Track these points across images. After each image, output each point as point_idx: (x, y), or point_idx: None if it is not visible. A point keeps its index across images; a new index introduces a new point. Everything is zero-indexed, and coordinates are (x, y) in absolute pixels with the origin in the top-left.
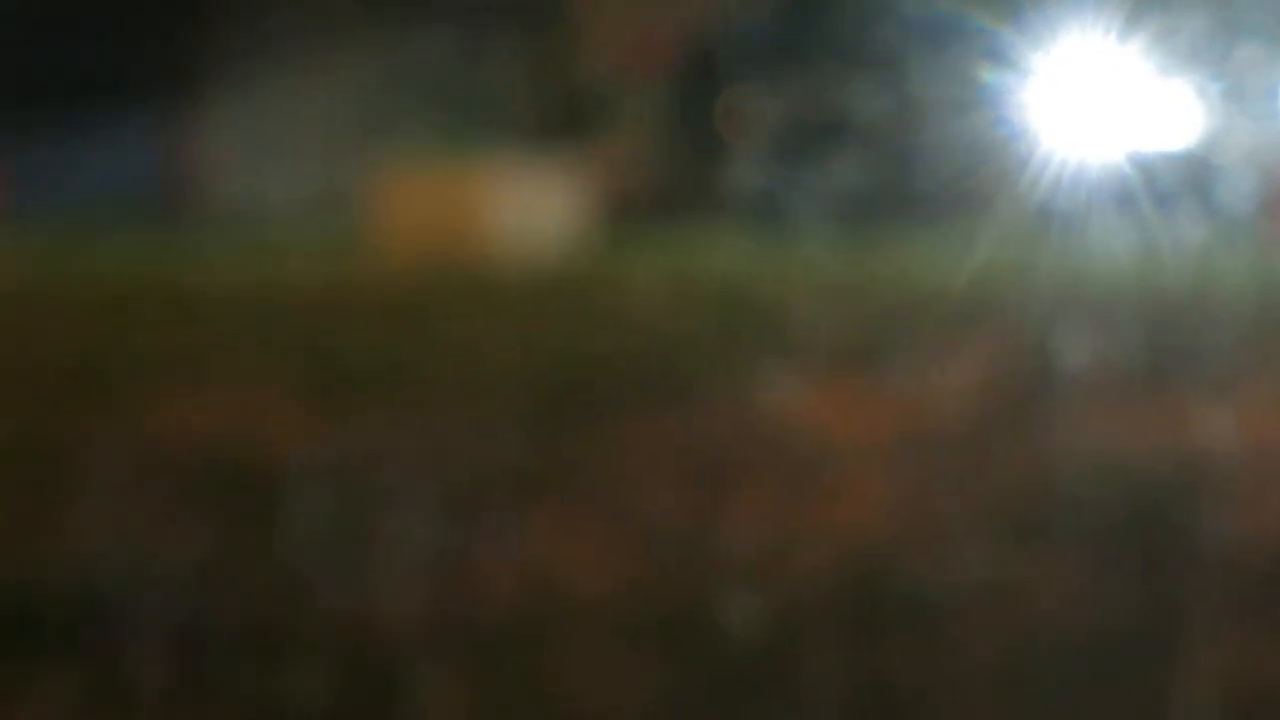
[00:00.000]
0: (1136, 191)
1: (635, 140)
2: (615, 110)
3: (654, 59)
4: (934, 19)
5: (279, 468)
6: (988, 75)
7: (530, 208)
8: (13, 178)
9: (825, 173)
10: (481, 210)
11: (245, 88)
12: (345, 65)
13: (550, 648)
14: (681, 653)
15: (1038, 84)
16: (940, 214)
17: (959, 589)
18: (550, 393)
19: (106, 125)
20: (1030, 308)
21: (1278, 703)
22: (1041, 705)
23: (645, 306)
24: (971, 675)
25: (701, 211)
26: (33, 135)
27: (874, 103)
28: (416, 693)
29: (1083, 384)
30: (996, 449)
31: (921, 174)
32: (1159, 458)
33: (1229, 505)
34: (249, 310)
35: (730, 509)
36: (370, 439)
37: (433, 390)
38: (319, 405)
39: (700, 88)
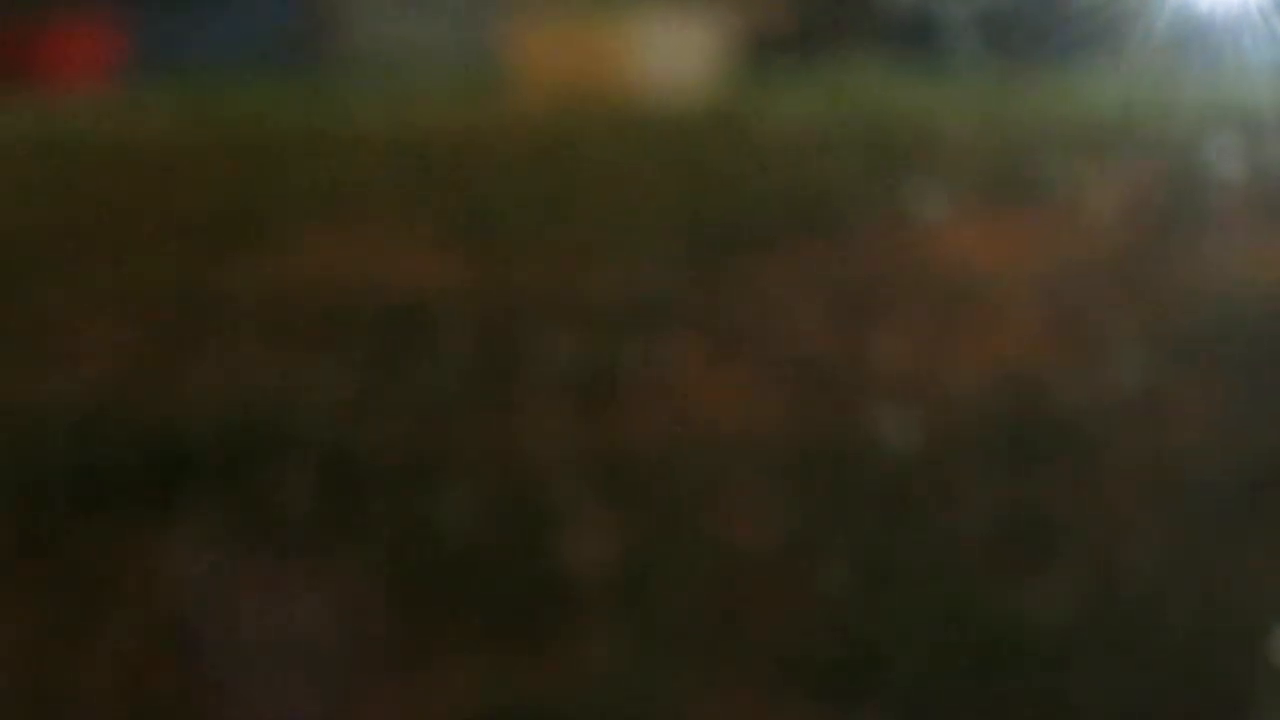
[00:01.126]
0: (1271, 16)
1: None
2: None
3: None
4: None
5: (429, 306)
6: None
7: (672, 47)
8: (148, 26)
9: (969, 2)
10: (623, 51)
11: None
12: None
13: (701, 476)
14: (830, 479)
15: None
16: (1084, 43)
17: (1108, 412)
18: (699, 228)
19: None
20: (1178, 136)
21: None
22: (1187, 530)
23: (792, 142)
24: (1120, 499)
25: (844, 46)
26: None
27: None
28: (565, 523)
29: (1233, 211)
30: (1147, 275)
31: (1065, 3)
32: None
33: None
34: (393, 155)
35: (882, 337)
36: (518, 277)
37: (579, 228)
38: (467, 245)
39: None
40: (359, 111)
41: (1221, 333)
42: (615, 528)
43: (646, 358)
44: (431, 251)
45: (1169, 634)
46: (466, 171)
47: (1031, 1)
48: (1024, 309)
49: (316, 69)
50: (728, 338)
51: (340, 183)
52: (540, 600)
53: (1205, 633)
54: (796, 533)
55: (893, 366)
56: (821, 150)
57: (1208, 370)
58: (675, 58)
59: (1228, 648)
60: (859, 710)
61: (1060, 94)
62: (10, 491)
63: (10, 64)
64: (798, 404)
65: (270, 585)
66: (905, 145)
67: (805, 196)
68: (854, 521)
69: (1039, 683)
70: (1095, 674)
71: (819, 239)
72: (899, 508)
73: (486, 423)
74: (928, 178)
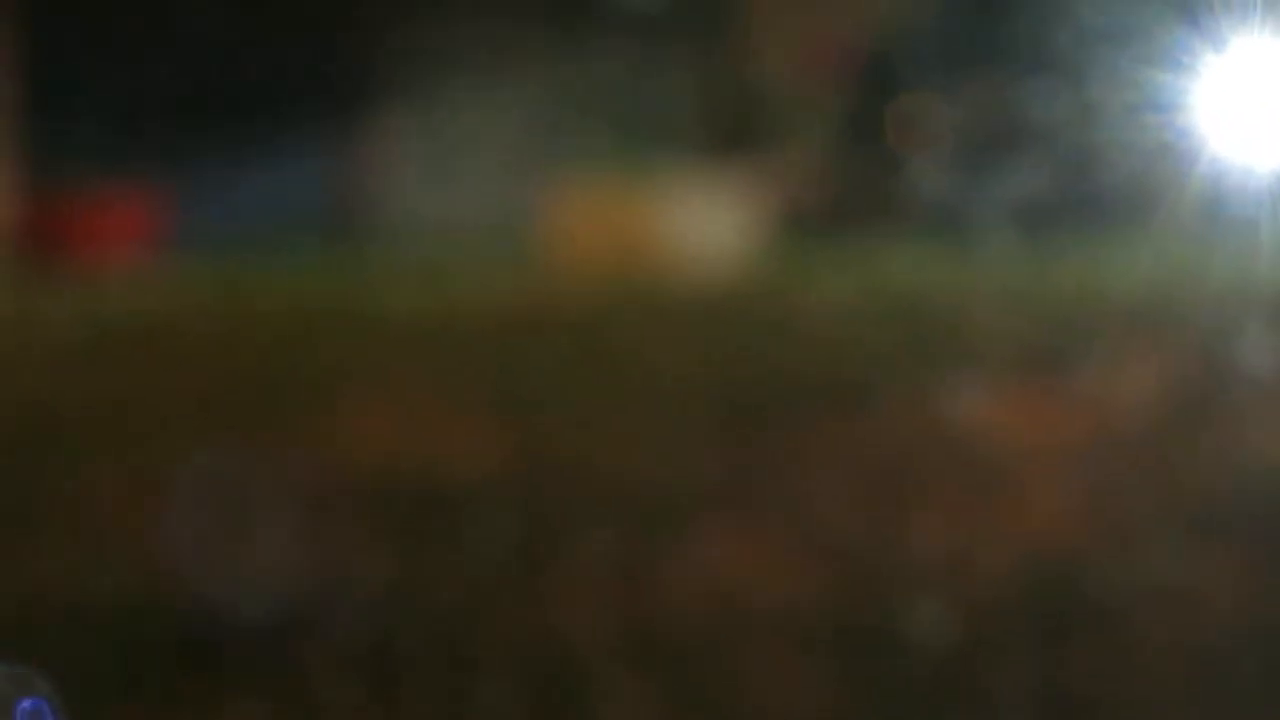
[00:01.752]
0: None
1: (809, 151)
2: (788, 121)
3: (826, 68)
4: (1106, 20)
5: (463, 485)
6: (1162, 77)
7: (705, 220)
8: (184, 198)
9: (1000, 179)
10: (656, 224)
11: (416, 104)
12: (515, 80)
13: (734, 655)
14: (863, 658)
15: (1213, 86)
16: (1116, 218)
17: (1141, 591)
18: (731, 405)
19: (276, 144)
20: (1208, 312)
21: None
22: (1221, 710)
23: (824, 318)
24: (1153, 680)
25: (877, 221)
26: (201, 156)
27: (1048, 107)
28: (601, 702)
29: (1263, 387)
30: (1177, 452)
31: (1096, 179)
32: None
33: None
34: (427, 329)
35: (913, 515)
36: (552, 453)
37: (613, 406)
38: (501, 424)
39: (873, 96)
40: (394, 285)
41: (1255, 513)
42: (651, 707)
43: (680, 536)
44: (465, 430)
45: None
46: (501, 349)
47: (1069, 175)
48: (1055, 488)
49: (351, 240)
50: (760, 516)
51: (375, 359)
52: None
53: None
54: (827, 712)
55: (925, 546)
56: (853, 327)
57: (1242, 552)
58: (707, 232)
59: None
60: None
61: (1096, 269)
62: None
63: (47, 235)
64: (829, 583)
65: None
66: (937, 322)
67: (838, 374)
68: (884, 702)
69: None
70: None
71: (852, 417)
72: (929, 688)
73: (521, 604)
74: (960, 355)
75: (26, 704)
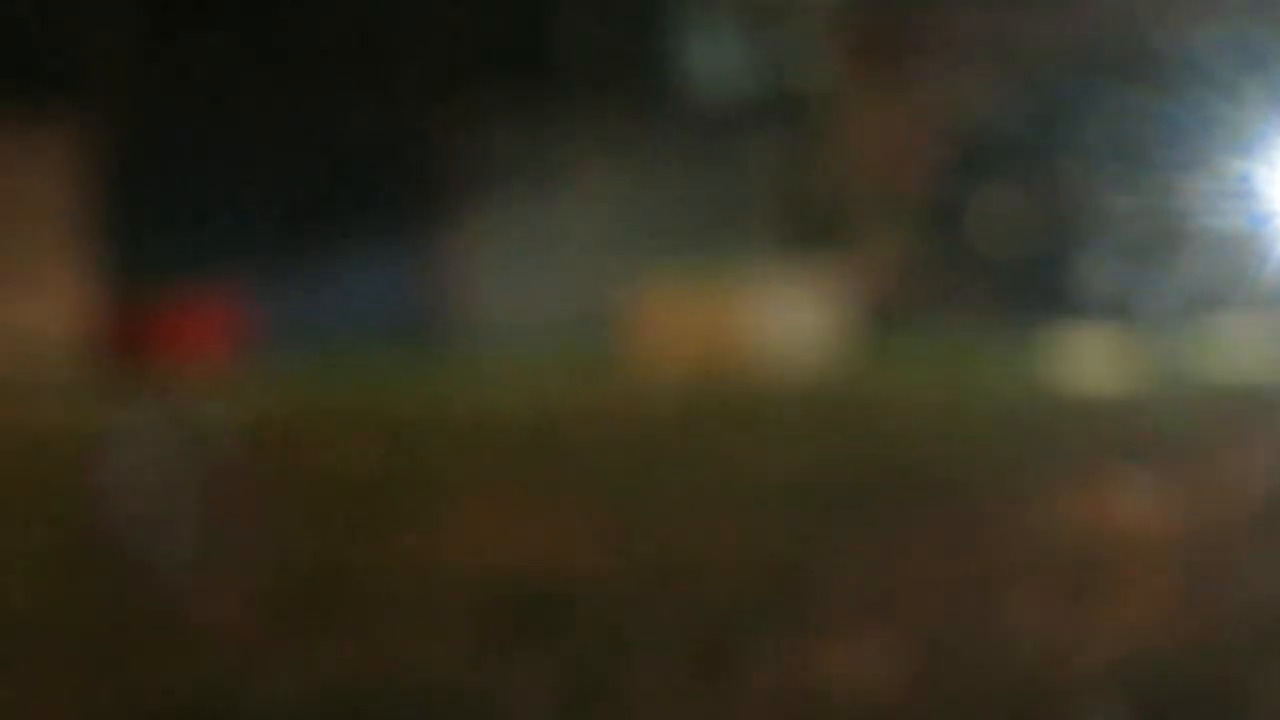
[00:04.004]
0: None
1: (892, 244)
2: (871, 214)
3: (908, 162)
4: (1182, 112)
5: (561, 582)
6: (1245, 165)
7: (791, 315)
8: (268, 300)
9: (1083, 272)
10: (742, 320)
11: (499, 204)
12: (598, 178)
13: None
14: None
15: None
16: (1203, 308)
17: (1240, 681)
18: (824, 498)
19: (360, 246)
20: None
21: None
22: None
23: (913, 411)
24: None
25: (961, 314)
26: (285, 258)
27: (1129, 200)
28: None
29: None
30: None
31: (1186, 268)
32: None
33: None
34: (519, 434)
35: (1013, 604)
36: (647, 551)
37: (706, 500)
38: (595, 520)
39: (955, 189)
40: (483, 384)
41: None
42: None
43: (778, 627)
44: (560, 528)
45: None
46: (592, 446)
47: (1161, 266)
48: (1156, 576)
49: (435, 339)
50: (858, 606)
51: (467, 459)
52: None
53: None
54: None
55: (1024, 634)
56: (942, 419)
57: None
58: (793, 327)
59: None
60: None
61: (1181, 356)
62: None
63: (132, 340)
64: (927, 673)
65: None
66: (1025, 412)
67: (929, 465)
68: None
69: None
70: None
71: (946, 507)
72: None
73: (629, 696)
74: (1050, 444)
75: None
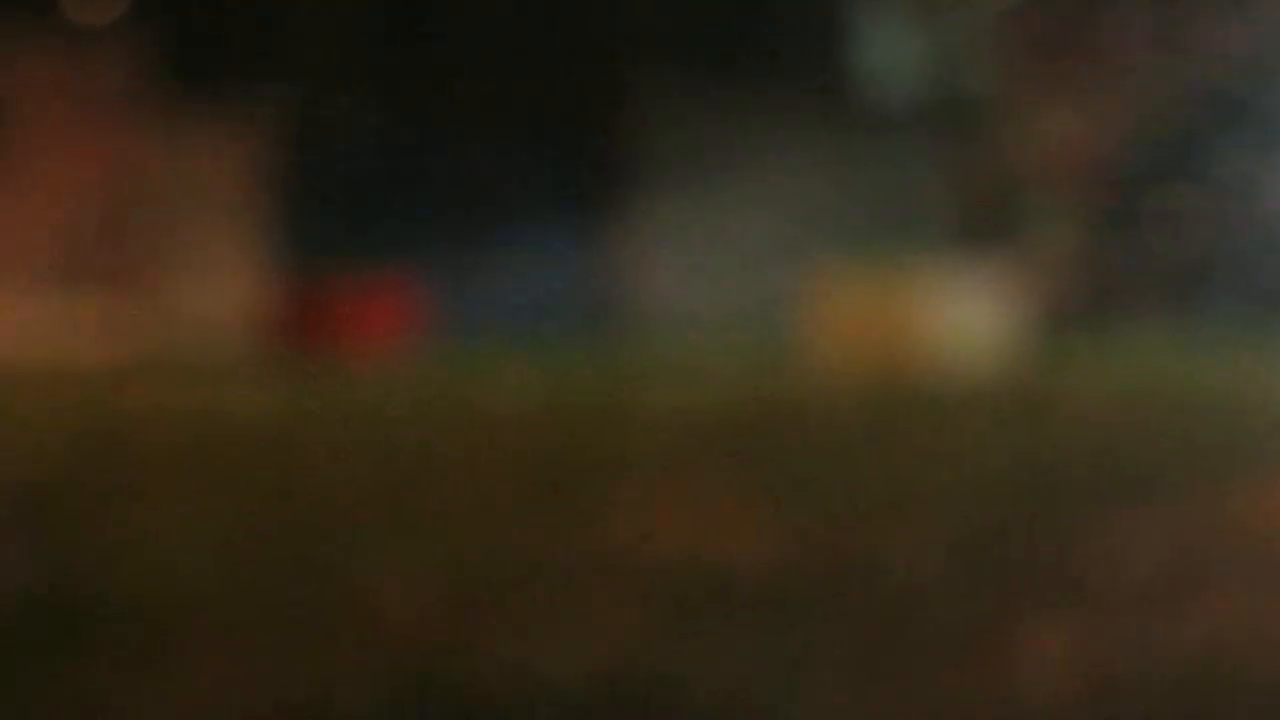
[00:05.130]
0: None
1: (1064, 244)
2: (1043, 214)
3: (1080, 162)
4: None
5: (744, 576)
6: None
7: (966, 310)
8: (443, 288)
9: (1248, 270)
10: (918, 315)
11: (675, 195)
12: (775, 171)
13: None
14: None
15: None
16: None
17: None
18: (1006, 496)
19: (535, 234)
20: None
21: None
22: None
23: (1093, 411)
24: None
25: (1129, 313)
26: (461, 245)
27: None
28: None
29: None
30: None
31: None
32: None
33: None
34: (699, 426)
35: (1200, 607)
36: (843, 550)
37: (889, 496)
38: (779, 516)
39: (1130, 187)
40: (661, 375)
41: None
42: None
43: (964, 622)
44: (744, 523)
45: None
46: (774, 439)
47: None
48: None
49: (609, 330)
50: (1047, 601)
51: (646, 453)
52: None
53: None
54: None
55: (1213, 636)
56: (1127, 414)
57: None
58: (968, 322)
59: None
60: None
61: None
62: None
63: (308, 326)
64: (1124, 670)
65: None
66: (1206, 415)
67: (1110, 465)
68: None
69: None
70: None
71: (1130, 507)
72: None
73: (789, 691)
74: (1232, 447)
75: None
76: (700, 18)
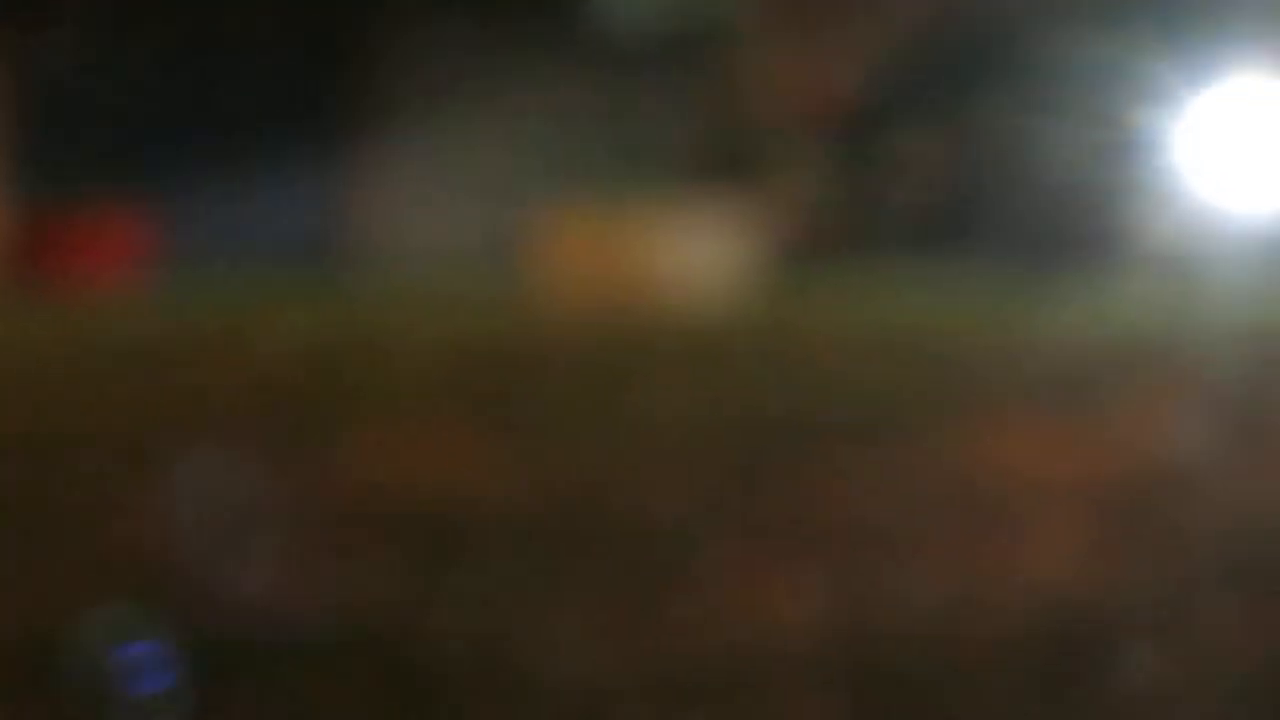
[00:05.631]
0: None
1: (800, 183)
2: (780, 153)
3: (819, 102)
4: (1095, 61)
5: (475, 512)
6: (1147, 118)
7: (696, 250)
8: (175, 220)
9: (986, 214)
10: (647, 253)
11: (409, 131)
12: (509, 108)
13: (748, 684)
14: (871, 688)
15: (1194, 126)
16: (1097, 253)
17: (1134, 628)
18: (736, 433)
19: (268, 168)
20: (1192, 353)
21: None
22: None
23: (820, 352)
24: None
25: (865, 253)
26: (194, 178)
27: (1035, 144)
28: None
29: (1258, 424)
30: (1173, 486)
31: (1080, 215)
32: None
33: None
34: (424, 360)
35: (919, 544)
36: (565, 483)
37: (619, 433)
38: (513, 451)
39: (865, 131)
40: (389, 313)
41: (1254, 547)
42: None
43: (693, 561)
44: (476, 457)
45: None
46: (505, 375)
47: (1056, 211)
48: (1059, 519)
49: (342, 264)
50: (772, 542)
51: (375, 387)
52: None
53: None
54: None
55: (929, 576)
56: (852, 356)
57: (1236, 581)
58: (700, 261)
59: None
60: None
61: (1079, 305)
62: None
63: (39, 254)
64: (837, 610)
65: None
66: (933, 352)
67: (839, 402)
68: None
69: None
70: None
71: (856, 444)
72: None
73: (537, 630)
74: (956, 385)
75: (134, 649)
76: None
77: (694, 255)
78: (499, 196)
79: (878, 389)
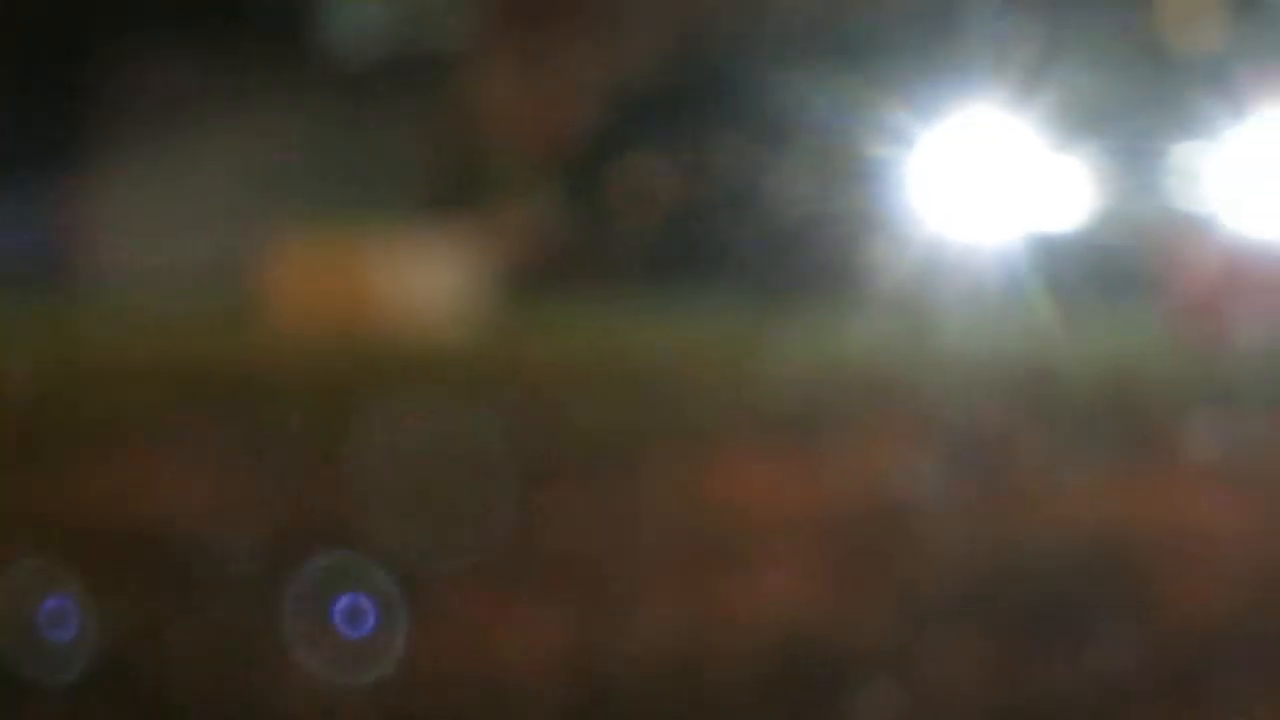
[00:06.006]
0: (1028, 269)
1: (530, 211)
2: (511, 180)
3: (550, 129)
4: (824, 94)
5: (189, 533)
6: (882, 150)
7: (426, 276)
8: None
9: (716, 244)
10: (374, 279)
11: (137, 155)
12: (239, 133)
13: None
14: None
15: (929, 159)
16: (828, 286)
17: (862, 660)
18: (463, 460)
19: None
20: (921, 387)
21: None
22: None
23: (546, 383)
24: None
25: (595, 281)
26: None
27: (765, 176)
28: None
29: (971, 463)
30: (894, 526)
31: (812, 246)
32: (1045, 534)
33: (1139, 585)
34: (155, 381)
35: (645, 570)
36: (284, 507)
37: (341, 456)
38: (228, 474)
39: (596, 159)
40: (114, 335)
41: (982, 581)
42: None
43: (418, 594)
44: (192, 479)
45: None
46: (227, 399)
47: (787, 242)
48: (784, 548)
49: (65, 288)
50: (500, 570)
51: (100, 410)
52: None
53: None
54: None
55: (655, 611)
56: (578, 387)
57: (958, 618)
58: (428, 287)
59: None
60: None
61: (809, 337)
62: None
63: None
64: (565, 645)
65: None
66: (661, 384)
67: (565, 434)
68: None
69: None
70: None
71: (580, 477)
72: None
73: (261, 660)
74: (685, 417)
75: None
76: None
77: (422, 282)
78: (227, 220)
79: (603, 421)
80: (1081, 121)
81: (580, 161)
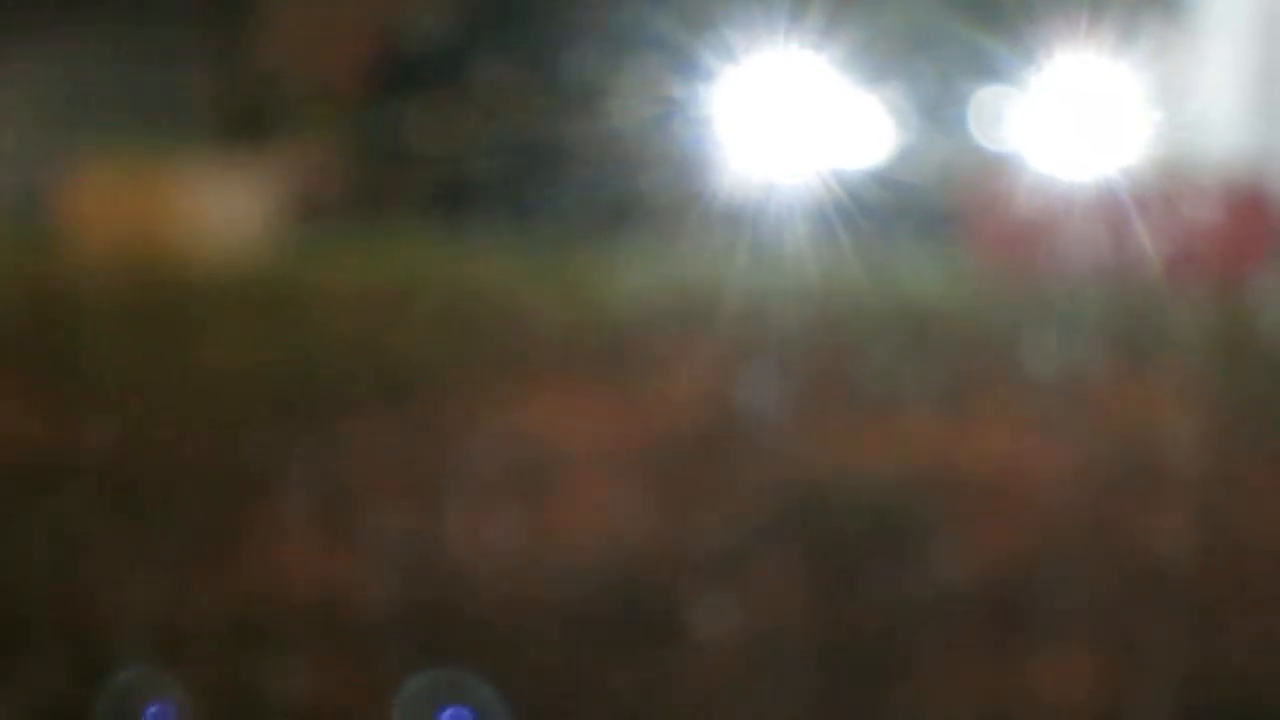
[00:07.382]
0: (829, 206)
1: (325, 142)
2: (305, 112)
3: (345, 62)
4: (630, 30)
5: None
6: (679, 87)
7: (220, 206)
8: None
9: (513, 178)
10: (171, 208)
11: None
12: (29, 61)
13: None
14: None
15: (730, 97)
16: (628, 224)
17: (684, 580)
18: (267, 390)
19: None
20: (721, 324)
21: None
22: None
23: (336, 310)
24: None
25: (390, 214)
26: None
27: (566, 110)
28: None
29: (777, 400)
30: (702, 458)
31: (614, 182)
32: (848, 468)
33: (937, 513)
34: None
35: (457, 503)
36: (92, 435)
37: (142, 385)
38: (47, 401)
39: (393, 91)
40: None
41: (766, 510)
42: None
43: (218, 522)
44: (18, 407)
45: None
46: (17, 324)
47: (583, 178)
48: (601, 475)
49: None
50: (304, 502)
51: None
52: None
53: None
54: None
55: (465, 531)
56: (366, 320)
57: (757, 546)
58: (221, 218)
59: None
60: None
61: (603, 273)
62: None
63: None
64: (378, 573)
65: None
66: (450, 317)
67: (369, 362)
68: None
69: None
70: None
71: (388, 404)
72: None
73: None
74: (492, 346)
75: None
76: None
77: (214, 210)
78: (20, 149)
79: (407, 350)
80: (884, 60)
81: (380, 91)
